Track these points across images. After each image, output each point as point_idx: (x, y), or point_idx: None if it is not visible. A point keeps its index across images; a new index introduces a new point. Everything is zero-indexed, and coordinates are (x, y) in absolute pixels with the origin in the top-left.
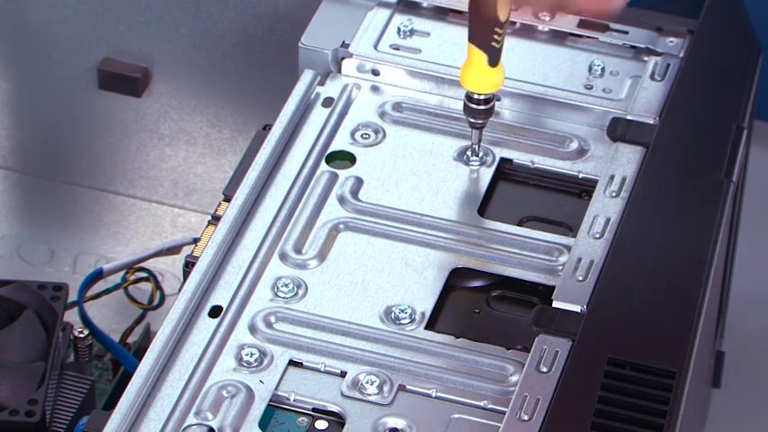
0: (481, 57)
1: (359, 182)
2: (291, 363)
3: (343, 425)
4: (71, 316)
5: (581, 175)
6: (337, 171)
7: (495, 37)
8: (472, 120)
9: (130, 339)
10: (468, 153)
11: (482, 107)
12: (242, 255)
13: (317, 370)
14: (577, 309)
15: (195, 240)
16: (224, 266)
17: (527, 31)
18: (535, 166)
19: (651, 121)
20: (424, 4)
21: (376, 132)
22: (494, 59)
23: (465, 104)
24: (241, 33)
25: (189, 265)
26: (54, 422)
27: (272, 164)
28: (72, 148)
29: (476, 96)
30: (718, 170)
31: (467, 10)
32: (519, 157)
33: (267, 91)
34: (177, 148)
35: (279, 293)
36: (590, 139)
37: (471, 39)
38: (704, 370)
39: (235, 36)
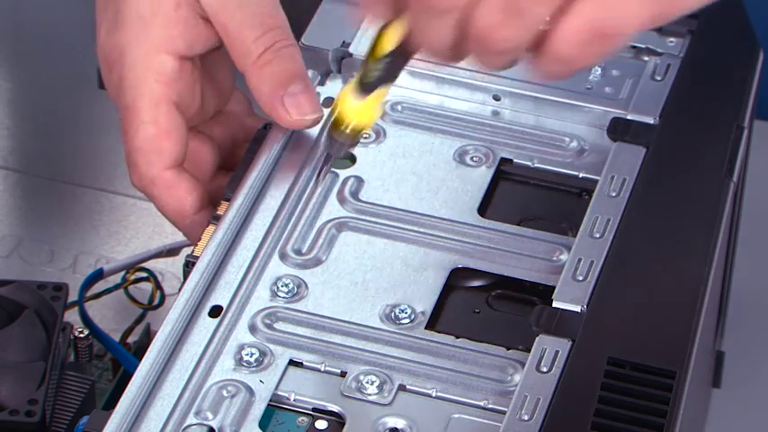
0: (351, 85)
1: (359, 182)
2: (291, 363)
3: (343, 425)
4: (71, 316)
5: (581, 175)
6: (337, 171)
7: (369, 67)
8: (333, 151)
9: (130, 339)
10: (317, 176)
11: (347, 140)
12: (242, 255)
13: (317, 370)
14: (577, 309)
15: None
16: (224, 266)
17: None
18: (535, 166)
19: (651, 121)
20: None
21: (376, 132)
22: (364, 89)
23: (328, 132)
24: None
25: (189, 265)
26: (54, 422)
27: (273, 164)
28: (72, 148)
29: (343, 127)
30: (718, 170)
31: None
32: (519, 157)
33: None
34: None
35: (279, 293)
36: (590, 139)
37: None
38: (704, 370)
39: None
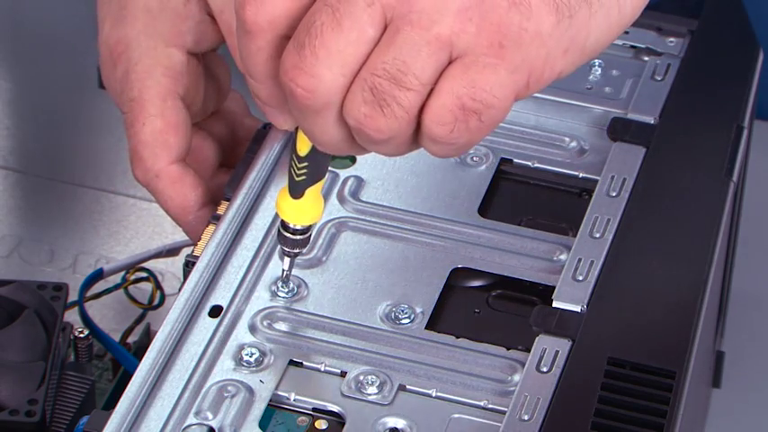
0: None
1: (359, 181)
2: (291, 363)
3: (343, 425)
4: (71, 316)
5: (581, 175)
6: (337, 171)
7: (294, 169)
8: (287, 249)
9: (130, 339)
10: (279, 284)
11: (298, 237)
12: (242, 255)
13: (317, 370)
14: (577, 309)
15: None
16: (224, 266)
17: None
18: (535, 166)
19: (651, 121)
20: None
21: None
22: (294, 191)
23: (279, 232)
24: None
25: (189, 265)
26: (54, 422)
27: (273, 163)
28: (72, 148)
29: (291, 226)
30: (718, 170)
31: None
32: (519, 157)
33: None
34: None
35: (279, 293)
36: (590, 139)
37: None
38: (704, 370)
39: None
